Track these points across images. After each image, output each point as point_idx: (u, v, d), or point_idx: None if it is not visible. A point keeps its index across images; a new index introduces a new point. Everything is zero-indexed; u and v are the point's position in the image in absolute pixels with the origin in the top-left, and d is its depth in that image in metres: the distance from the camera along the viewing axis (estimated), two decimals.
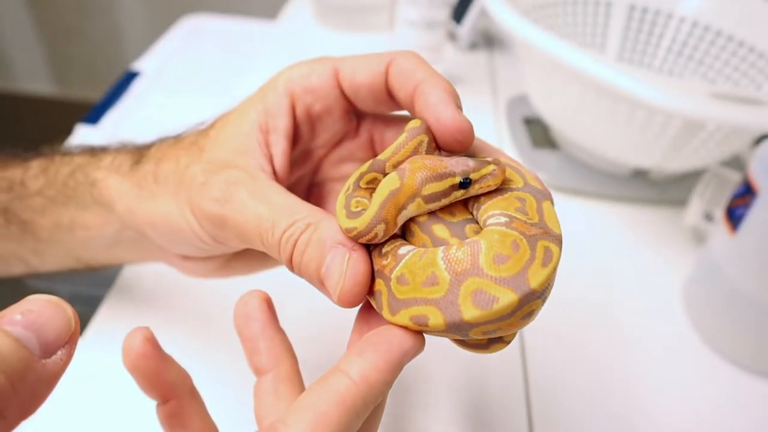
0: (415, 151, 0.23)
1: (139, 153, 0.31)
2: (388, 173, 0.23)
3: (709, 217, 0.49)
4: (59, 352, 0.17)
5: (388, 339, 0.20)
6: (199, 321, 0.40)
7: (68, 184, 0.32)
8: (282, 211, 0.23)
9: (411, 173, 0.21)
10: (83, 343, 0.38)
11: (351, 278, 0.21)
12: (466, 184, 0.21)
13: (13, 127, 1.84)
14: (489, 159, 0.22)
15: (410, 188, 0.20)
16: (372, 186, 0.23)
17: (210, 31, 0.89)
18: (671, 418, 0.38)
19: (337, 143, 0.29)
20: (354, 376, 0.20)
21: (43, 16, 1.86)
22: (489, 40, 0.86)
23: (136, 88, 0.75)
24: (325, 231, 0.22)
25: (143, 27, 1.90)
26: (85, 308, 0.82)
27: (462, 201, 0.22)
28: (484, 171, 0.21)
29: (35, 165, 0.34)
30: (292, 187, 0.30)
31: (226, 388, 0.36)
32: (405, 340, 0.21)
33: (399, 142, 0.23)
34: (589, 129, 0.52)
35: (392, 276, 0.21)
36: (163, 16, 1.82)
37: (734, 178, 0.52)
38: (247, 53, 0.78)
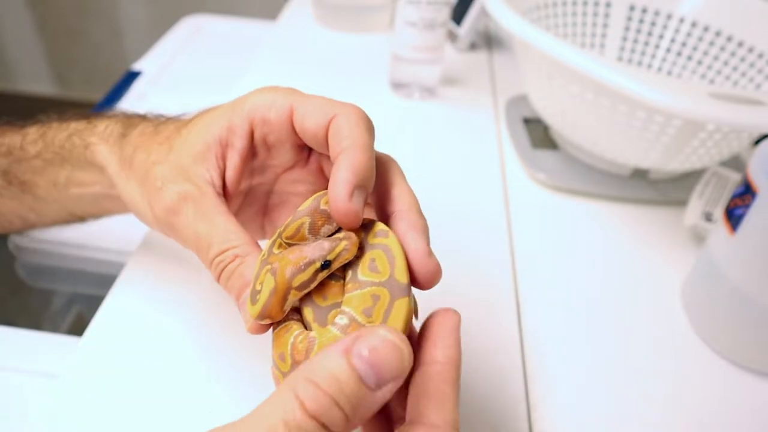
0: (297, 231, 0.26)
1: (126, 124, 0.35)
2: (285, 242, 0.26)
3: (708, 217, 0.49)
4: (389, 385, 0.20)
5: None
6: (200, 321, 0.40)
7: (65, 146, 0.37)
8: (218, 235, 0.28)
9: (281, 272, 0.24)
10: (84, 343, 0.38)
11: (261, 312, 0.25)
12: (326, 265, 0.24)
13: None
14: (341, 235, 0.25)
15: (283, 285, 0.24)
16: (289, 242, 0.26)
17: (210, 32, 0.89)
18: (670, 418, 0.38)
19: (291, 167, 0.33)
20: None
21: (45, 17, 1.86)
22: (488, 40, 0.86)
23: (136, 88, 0.75)
24: (246, 269, 0.27)
25: (144, 28, 1.90)
26: (86, 308, 0.82)
27: (338, 281, 0.25)
28: (338, 249, 0.24)
29: (33, 131, 0.38)
30: (252, 190, 0.34)
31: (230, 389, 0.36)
32: None
33: (287, 221, 0.26)
34: (589, 129, 0.52)
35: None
36: (164, 17, 1.82)
37: (734, 178, 0.52)
38: (247, 53, 0.78)
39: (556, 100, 0.53)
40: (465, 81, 0.73)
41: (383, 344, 0.20)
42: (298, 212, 0.26)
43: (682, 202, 0.53)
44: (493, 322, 0.42)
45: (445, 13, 0.63)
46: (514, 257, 0.48)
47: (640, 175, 0.56)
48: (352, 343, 0.20)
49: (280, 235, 0.26)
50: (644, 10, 0.65)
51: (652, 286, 0.47)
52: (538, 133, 0.62)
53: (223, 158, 0.30)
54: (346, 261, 0.25)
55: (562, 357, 0.41)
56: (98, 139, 0.35)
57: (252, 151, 0.31)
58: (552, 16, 0.64)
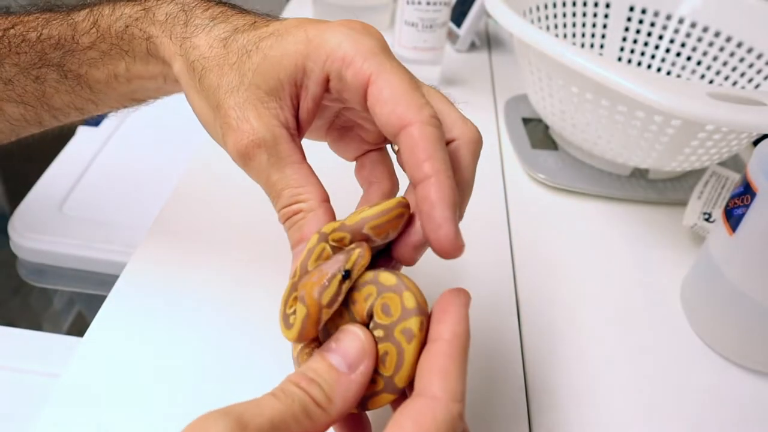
0: (389, 224, 0.26)
1: (188, 14, 0.32)
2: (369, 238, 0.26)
3: (707, 217, 0.49)
4: (360, 367, 0.23)
5: None
6: (200, 321, 0.40)
7: (123, 38, 0.34)
8: (288, 186, 0.28)
9: (309, 295, 0.24)
10: (84, 343, 0.38)
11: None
12: (347, 275, 0.25)
13: None
14: (352, 246, 0.25)
15: (314, 306, 0.24)
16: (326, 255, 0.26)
17: None
18: (668, 417, 0.38)
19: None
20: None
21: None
22: (488, 40, 0.86)
23: None
24: (308, 222, 0.27)
25: None
26: (86, 308, 0.82)
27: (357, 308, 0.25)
28: (353, 258, 0.25)
29: (83, 19, 0.35)
30: (322, 107, 0.32)
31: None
32: None
33: (375, 212, 0.26)
34: (589, 129, 0.52)
35: None
36: None
37: (733, 178, 0.52)
38: None
39: (556, 100, 0.53)
40: (465, 81, 0.73)
41: (341, 334, 0.24)
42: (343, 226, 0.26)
43: (681, 202, 0.53)
44: (493, 322, 0.42)
45: (445, 13, 0.63)
46: (513, 257, 0.48)
47: (639, 175, 0.56)
48: (324, 345, 0.24)
49: (309, 253, 0.26)
50: (644, 11, 0.65)
51: (651, 285, 0.47)
52: (538, 133, 0.62)
53: (297, 98, 0.29)
54: (364, 267, 0.25)
55: (561, 356, 0.41)
56: (160, 31, 0.32)
57: (325, 94, 0.29)
58: (552, 16, 0.64)
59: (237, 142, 0.28)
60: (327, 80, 0.28)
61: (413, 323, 0.23)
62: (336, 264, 0.25)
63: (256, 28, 0.30)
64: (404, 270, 0.28)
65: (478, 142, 0.28)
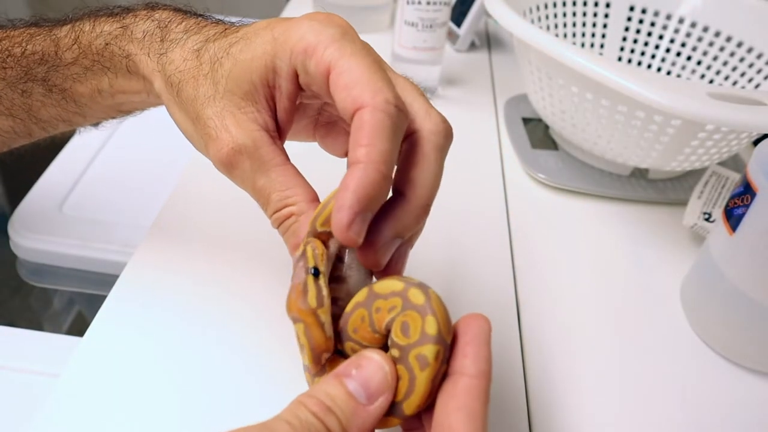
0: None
1: (163, 30, 0.32)
2: (319, 230, 0.26)
3: (708, 216, 0.49)
4: (380, 399, 0.22)
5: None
6: (201, 321, 0.40)
7: (104, 54, 0.34)
8: (276, 190, 0.28)
9: (297, 311, 0.24)
10: (84, 343, 0.38)
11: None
12: (316, 272, 0.25)
13: None
14: (301, 248, 0.26)
15: (308, 315, 0.24)
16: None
17: None
18: (668, 417, 0.38)
19: None
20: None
21: (44, 16, 1.86)
22: (488, 40, 0.86)
23: None
24: (299, 227, 0.27)
25: None
26: (86, 308, 0.82)
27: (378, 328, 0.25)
28: (309, 255, 0.25)
29: (65, 35, 0.36)
30: (303, 106, 0.33)
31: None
32: None
33: (324, 203, 0.26)
34: (589, 129, 0.52)
35: None
36: None
37: (733, 178, 0.52)
38: None
39: (556, 100, 0.53)
40: (465, 81, 0.73)
41: (364, 362, 0.23)
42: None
43: (681, 202, 0.53)
44: (493, 321, 0.42)
45: (445, 13, 0.63)
46: (513, 257, 0.48)
47: (639, 174, 0.56)
48: (345, 367, 0.23)
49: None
50: (644, 10, 0.65)
51: (651, 285, 0.47)
52: (538, 133, 0.62)
53: (273, 99, 0.29)
54: (324, 254, 0.25)
55: (561, 356, 0.41)
56: (138, 49, 0.33)
57: (299, 89, 0.29)
58: (552, 16, 0.64)
59: (218, 151, 0.29)
60: (296, 75, 0.28)
61: (429, 351, 0.22)
62: (300, 271, 0.25)
63: (226, 35, 0.30)
64: (407, 268, 0.28)
65: (442, 134, 0.27)
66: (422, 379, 0.22)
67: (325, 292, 0.24)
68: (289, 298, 0.25)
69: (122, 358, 0.37)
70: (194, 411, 0.35)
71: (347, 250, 0.27)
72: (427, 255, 0.47)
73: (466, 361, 0.23)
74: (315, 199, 0.28)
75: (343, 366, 0.23)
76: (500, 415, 0.37)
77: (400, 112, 0.25)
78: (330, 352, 0.25)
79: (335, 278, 0.27)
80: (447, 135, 0.27)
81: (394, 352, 0.23)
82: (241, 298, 0.42)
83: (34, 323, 0.88)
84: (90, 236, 0.67)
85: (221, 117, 0.29)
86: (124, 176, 0.76)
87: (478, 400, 0.22)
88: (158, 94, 0.33)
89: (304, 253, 0.25)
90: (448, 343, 0.23)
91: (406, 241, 0.27)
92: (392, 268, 0.27)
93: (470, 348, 0.23)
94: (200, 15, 0.34)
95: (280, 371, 0.37)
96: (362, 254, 0.26)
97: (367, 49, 0.27)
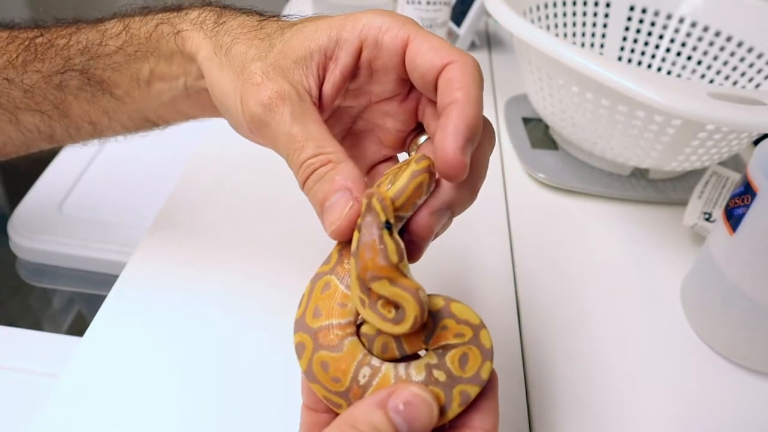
0: (416, 191, 0.25)
1: (221, 14, 0.33)
2: (398, 215, 0.25)
3: (708, 216, 0.49)
4: None
5: None
6: (201, 321, 0.40)
7: (152, 36, 0.34)
8: (312, 140, 0.27)
9: (374, 270, 0.23)
10: (84, 343, 0.38)
11: (347, 220, 0.24)
12: (389, 225, 0.23)
13: None
14: (366, 200, 0.24)
15: (395, 271, 0.23)
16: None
17: None
18: (668, 416, 0.38)
19: (388, 99, 0.31)
20: None
21: (44, 15, 1.86)
22: (488, 40, 0.86)
23: None
24: (340, 172, 0.25)
25: None
26: (86, 308, 0.82)
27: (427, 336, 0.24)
28: (378, 208, 0.23)
29: (113, 25, 0.36)
30: (340, 111, 0.32)
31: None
32: None
33: (401, 185, 0.25)
34: (589, 129, 0.52)
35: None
36: None
37: (733, 178, 0.52)
38: None
39: (556, 99, 0.53)
40: None
41: (416, 399, 0.22)
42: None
43: (681, 202, 0.53)
44: (494, 321, 0.42)
45: (445, 13, 0.63)
46: (513, 256, 0.48)
47: (639, 174, 0.56)
48: (387, 397, 0.22)
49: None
50: (644, 10, 0.65)
51: (651, 285, 0.47)
52: (538, 133, 0.62)
53: (324, 69, 0.29)
54: (391, 203, 0.24)
55: (561, 356, 0.41)
56: (191, 25, 0.33)
57: (355, 70, 0.29)
58: (552, 16, 0.64)
59: (259, 93, 0.28)
60: (359, 51, 0.28)
61: (474, 392, 0.23)
62: (371, 227, 0.23)
63: (285, 21, 0.31)
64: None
65: (477, 67, 0.27)
66: (453, 412, 0.23)
67: (402, 245, 0.23)
68: (361, 257, 0.23)
69: (122, 358, 0.37)
70: (194, 411, 0.35)
71: (402, 222, 0.26)
72: (426, 255, 0.47)
73: (485, 417, 0.24)
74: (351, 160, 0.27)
75: (387, 395, 0.22)
76: (500, 415, 0.37)
77: (481, 71, 0.26)
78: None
79: None
80: (479, 69, 0.28)
81: (439, 375, 0.23)
82: (241, 298, 0.41)
83: (34, 323, 0.88)
84: (90, 236, 0.67)
85: (268, 71, 0.29)
86: (124, 176, 0.76)
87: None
88: (201, 67, 0.32)
89: (370, 206, 0.23)
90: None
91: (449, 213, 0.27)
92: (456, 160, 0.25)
93: (486, 405, 0.24)
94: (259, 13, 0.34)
95: (282, 371, 0.37)
96: (418, 220, 0.26)
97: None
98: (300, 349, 0.25)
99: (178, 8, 0.35)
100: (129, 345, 0.38)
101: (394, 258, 0.23)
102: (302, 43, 0.29)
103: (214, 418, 0.34)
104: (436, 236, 0.27)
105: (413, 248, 0.26)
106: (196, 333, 0.39)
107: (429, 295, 0.24)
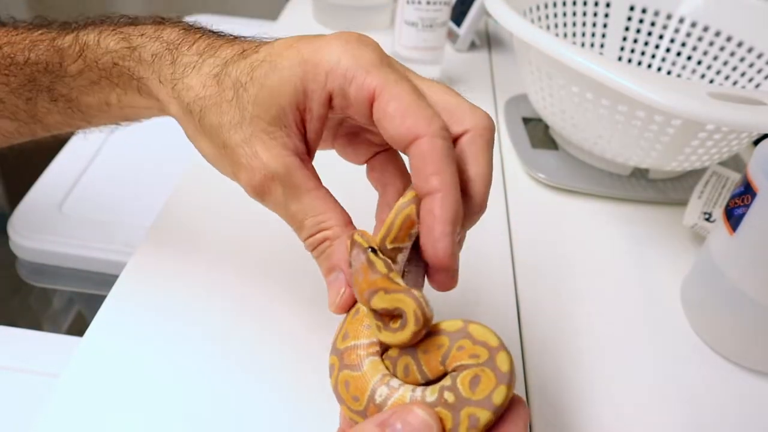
0: (404, 224, 0.26)
1: (173, 53, 0.31)
2: (396, 247, 0.26)
3: (708, 216, 0.49)
4: None
5: None
6: (201, 321, 0.40)
7: (112, 72, 0.34)
8: (309, 215, 0.28)
9: (368, 288, 0.25)
10: (84, 343, 0.38)
11: (342, 301, 0.27)
12: (374, 250, 0.26)
13: None
14: (348, 242, 0.27)
15: (387, 281, 0.24)
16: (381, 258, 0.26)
17: None
18: (669, 416, 0.38)
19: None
20: None
21: (44, 15, 1.86)
22: (488, 40, 0.86)
23: None
24: (334, 252, 0.28)
25: None
26: (86, 308, 0.82)
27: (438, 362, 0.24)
28: (359, 240, 0.26)
29: (69, 47, 0.34)
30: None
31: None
32: None
33: (389, 221, 0.26)
34: (589, 129, 0.52)
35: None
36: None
37: (733, 178, 0.52)
38: None
39: (556, 99, 0.53)
40: (465, 81, 0.73)
41: (415, 420, 0.22)
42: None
43: (681, 202, 0.53)
44: (493, 321, 0.42)
45: (445, 13, 0.63)
46: (513, 256, 0.48)
47: (639, 174, 0.56)
48: (389, 417, 0.22)
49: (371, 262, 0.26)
50: (644, 10, 0.65)
51: (651, 285, 0.47)
52: (538, 133, 0.62)
53: (302, 122, 0.29)
54: (373, 240, 0.26)
55: (561, 356, 0.41)
56: (149, 73, 0.32)
57: (329, 110, 0.29)
58: (552, 16, 0.64)
59: (251, 179, 0.28)
60: (330, 99, 0.28)
61: (484, 417, 0.22)
62: (358, 255, 0.26)
63: (245, 57, 0.29)
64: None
65: (491, 129, 0.28)
66: None
67: (389, 261, 0.25)
68: (355, 282, 0.25)
69: (122, 358, 0.37)
70: (194, 411, 0.35)
71: (402, 253, 0.27)
72: None
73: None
74: (349, 222, 0.28)
75: (387, 415, 0.22)
76: None
77: (450, 137, 0.26)
78: (429, 322, 0.24)
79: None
80: (493, 129, 0.28)
81: (449, 396, 0.23)
82: (242, 298, 0.41)
83: (34, 323, 0.88)
84: (90, 236, 0.67)
85: (250, 144, 0.28)
86: (124, 176, 0.76)
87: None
88: (175, 117, 0.32)
89: (354, 241, 0.26)
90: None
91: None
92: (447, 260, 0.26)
93: (511, 426, 0.22)
94: (210, 32, 0.33)
95: (282, 370, 0.37)
96: (436, 259, 0.25)
97: (406, 74, 0.27)
98: (331, 370, 0.26)
99: (128, 35, 0.33)
100: (129, 345, 0.38)
101: (383, 269, 0.24)
102: (271, 100, 0.28)
103: (214, 418, 0.34)
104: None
105: (444, 277, 0.26)
106: (197, 333, 0.39)
107: (450, 320, 0.24)
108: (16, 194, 0.75)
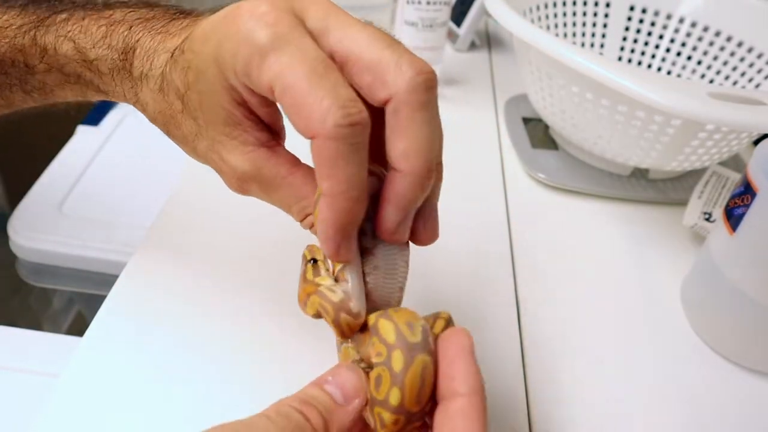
0: None
1: (128, 66, 0.31)
2: None
3: (708, 216, 0.49)
4: (356, 401, 0.23)
5: None
6: (201, 321, 0.40)
7: (80, 80, 0.33)
8: (292, 203, 0.28)
9: (301, 294, 0.28)
10: (84, 343, 0.38)
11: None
12: (314, 261, 0.28)
13: (14, 128, 1.84)
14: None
15: (312, 286, 0.27)
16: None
17: None
18: (668, 416, 0.38)
19: None
20: None
21: None
22: (488, 40, 0.86)
23: None
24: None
25: None
26: (86, 308, 0.82)
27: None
28: (306, 252, 0.29)
29: (30, 47, 0.33)
30: None
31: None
32: None
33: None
34: (589, 129, 0.52)
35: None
36: None
37: (733, 178, 0.52)
38: None
39: (556, 99, 0.53)
40: (465, 81, 0.73)
41: (341, 370, 0.24)
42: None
43: (681, 202, 0.53)
44: (493, 321, 0.42)
45: (445, 13, 0.63)
46: (513, 257, 0.48)
47: (639, 174, 0.56)
48: (320, 377, 0.24)
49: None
50: (644, 10, 0.65)
51: (651, 285, 0.47)
52: (538, 133, 0.62)
53: (252, 113, 0.27)
54: (321, 252, 0.27)
55: (561, 357, 0.41)
56: (111, 86, 0.32)
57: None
58: (552, 16, 0.64)
59: (229, 184, 0.29)
60: (251, 91, 0.26)
61: (388, 418, 0.22)
62: (301, 268, 0.28)
63: (176, 60, 0.28)
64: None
65: (421, 89, 0.23)
66: None
67: (323, 272, 0.27)
68: (299, 293, 0.27)
69: (122, 358, 0.37)
70: (194, 411, 0.35)
71: (367, 222, 0.26)
72: (426, 255, 0.47)
73: (453, 383, 0.22)
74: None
75: (320, 376, 0.24)
76: (500, 415, 0.37)
77: (356, 126, 0.22)
78: (352, 317, 0.25)
79: (362, 250, 0.26)
80: (428, 87, 0.24)
81: (369, 393, 0.24)
82: (242, 297, 0.41)
83: (34, 323, 0.88)
84: (90, 236, 0.67)
85: (215, 150, 0.29)
86: (123, 176, 0.76)
87: (477, 420, 0.21)
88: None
89: (303, 256, 0.28)
90: (415, 411, 0.22)
91: (426, 203, 0.26)
92: (423, 234, 0.27)
93: (456, 367, 0.22)
94: (155, 20, 0.31)
95: (282, 369, 0.37)
96: (382, 236, 0.26)
97: (305, 47, 0.23)
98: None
99: (82, 52, 0.32)
100: (129, 345, 0.38)
101: (311, 276, 0.27)
102: (212, 103, 0.27)
103: (214, 418, 0.34)
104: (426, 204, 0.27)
105: (417, 228, 0.27)
106: (197, 333, 0.39)
107: (376, 312, 0.25)
108: (16, 194, 0.75)
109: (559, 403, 0.38)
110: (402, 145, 0.24)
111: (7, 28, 0.34)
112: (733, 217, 0.39)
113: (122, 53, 0.31)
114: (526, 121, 0.64)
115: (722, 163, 0.56)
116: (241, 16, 0.24)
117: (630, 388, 0.39)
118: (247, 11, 0.24)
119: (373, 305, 0.26)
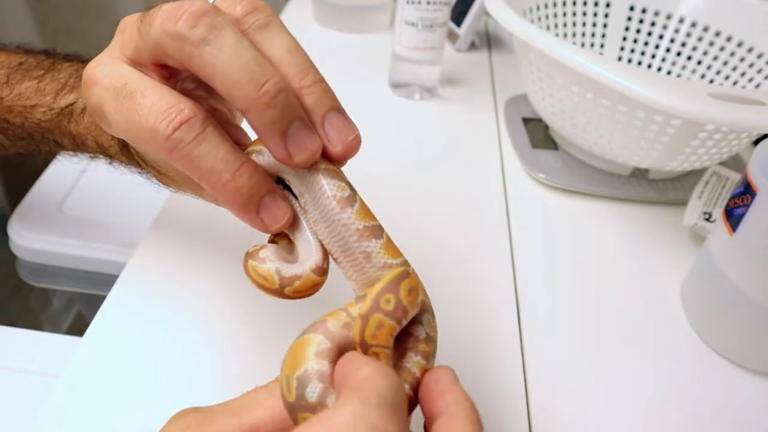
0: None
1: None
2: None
3: (708, 216, 0.49)
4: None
5: None
6: (201, 321, 0.40)
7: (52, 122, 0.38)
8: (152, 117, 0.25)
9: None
10: (84, 343, 0.38)
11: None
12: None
13: None
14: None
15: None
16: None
17: None
18: (669, 416, 0.38)
19: None
20: None
21: (44, 15, 1.86)
22: (488, 40, 0.86)
23: None
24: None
25: None
26: (86, 308, 0.82)
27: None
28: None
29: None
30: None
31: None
32: None
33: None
34: (589, 129, 0.52)
35: None
36: None
37: (733, 178, 0.52)
38: None
39: (556, 99, 0.53)
40: (465, 81, 0.73)
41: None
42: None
43: (681, 202, 0.53)
44: (493, 322, 0.42)
45: (445, 13, 0.63)
46: (513, 257, 0.48)
47: (639, 174, 0.56)
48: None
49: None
50: (644, 10, 0.65)
51: (651, 285, 0.47)
52: (538, 133, 0.62)
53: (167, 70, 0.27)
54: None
55: (561, 357, 0.41)
56: (82, 128, 0.37)
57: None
58: (552, 16, 0.64)
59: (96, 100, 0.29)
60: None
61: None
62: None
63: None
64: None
65: (191, 22, 0.23)
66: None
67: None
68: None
69: (122, 358, 0.37)
70: None
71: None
72: (426, 254, 0.47)
73: (442, 402, 0.22)
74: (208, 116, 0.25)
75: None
76: (500, 415, 0.37)
77: (182, 127, 0.23)
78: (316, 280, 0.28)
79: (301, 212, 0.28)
80: (199, 15, 0.23)
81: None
82: (242, 297, 0.41)
83: (34, 323, 0.88)
84: (90, 236, 0.67)
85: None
86: (124, 176, 0.76)
87: (475, 422, 0.22)
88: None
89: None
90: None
91: (313, 114, 0.25)
92: (331, 144, 0.25)
93: (443, 391, 0.23)
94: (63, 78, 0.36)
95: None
96: (288, 164, 0.25)
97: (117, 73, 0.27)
98: None
99: (49, 107, 0.36)
100: (129, 345, 0.38)
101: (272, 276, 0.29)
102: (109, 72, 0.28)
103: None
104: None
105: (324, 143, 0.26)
106: (197, 333, 0.39)
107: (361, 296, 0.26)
108: (16, 194, 0.75)
109: (558, 402, 0.38)
110: (221, 90, 0.23)
111: (34, 106, 0.37)
112: (733, 217, 0.39)
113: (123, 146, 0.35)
114: (526, 121, 0.64)
115: (722, 163, 0.56)
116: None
117: (630, 387, 0.39)
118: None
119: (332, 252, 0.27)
